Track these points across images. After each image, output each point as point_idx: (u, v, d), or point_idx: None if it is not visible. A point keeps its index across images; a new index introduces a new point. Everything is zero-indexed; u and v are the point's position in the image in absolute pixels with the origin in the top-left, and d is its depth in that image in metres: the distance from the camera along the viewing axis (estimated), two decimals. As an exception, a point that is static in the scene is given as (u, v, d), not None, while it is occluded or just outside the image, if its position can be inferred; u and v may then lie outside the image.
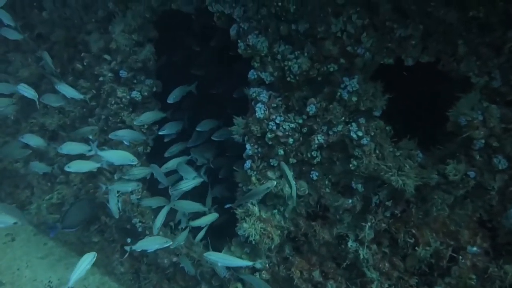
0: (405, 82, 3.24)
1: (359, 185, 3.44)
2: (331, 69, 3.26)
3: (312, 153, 3.53)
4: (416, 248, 3.38)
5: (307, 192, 3.75)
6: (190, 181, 4.39)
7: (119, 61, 4.49)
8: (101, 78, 4.62)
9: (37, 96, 4.58)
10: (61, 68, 5.12)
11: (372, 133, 3.21)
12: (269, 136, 3.50)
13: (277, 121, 3.43)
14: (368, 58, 3.05)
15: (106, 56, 4.59)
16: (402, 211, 3.43)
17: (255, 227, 3.79)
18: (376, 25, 2.98)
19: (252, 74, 3.55)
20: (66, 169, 4.54)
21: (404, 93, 3.19)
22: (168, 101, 4.47)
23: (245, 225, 3.78)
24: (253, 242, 3.87)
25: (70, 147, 4.62)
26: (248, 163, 3.82)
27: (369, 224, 3.48)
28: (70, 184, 5.69)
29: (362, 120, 3.23)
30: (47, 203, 5.75)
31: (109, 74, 4.58)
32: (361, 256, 3.57)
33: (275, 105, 3.52)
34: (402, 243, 3.45)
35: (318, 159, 3.56)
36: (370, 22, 2.95)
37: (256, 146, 3.73)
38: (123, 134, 4.39)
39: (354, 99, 3.16)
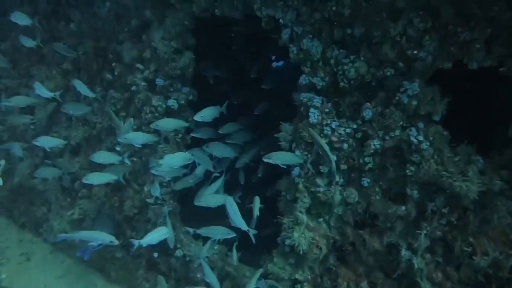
0: (461, 86, 3.23)
1: (415, 192, 3.38)
2: (388, 73, 3.23)
3: (365, 159, 3.47)
4: (473, 257, 3.31)
5: (356, 199, 3.68)
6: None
7: (154, 69, 4.42)
8: (133, 88, 4.53)
9: (52, 95, 4.62)
10: (89, 80, 5.03)
11: (431, 138, 3.17)
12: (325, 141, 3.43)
13: (333, 126, 3.37)
14: (429, 62, 3.03)
15: (139, 65, 4.51)
16: (458, 219, 3.37)
17: (305, 236, 3.69)
18: (437, 28, 2.97)
19: (303, 79, 3.50)
20: (84, 181, 4.44)
21: (460, 97, 3.18)
22: (195, 119, 4.27)
23: (295, 234, 3.67)
24: (301, 252, 3.75)
25: (102, 156, 4.51)
26: (296, 170, 3.74)
27: (424, 232, 3.41)
28: (93, 198, 5.51)
29: (420, 125, 3.20)
30: (68, 219, 5.54)
31: (142, 83, 4.49)
32: (415, 266, 3.48)
33: (327, 110, 3.47)
34: (458, 252, 3.37)
35: (370, 165, 3.50)
36: (432, 25, 2.95)
37: (305, 153, 3.66)
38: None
39: (414, 103, 3.14)
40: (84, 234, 4.07)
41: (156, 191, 4.47)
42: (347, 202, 3.74)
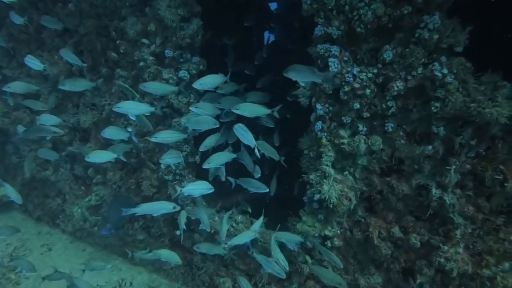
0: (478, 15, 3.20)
1: (441, 128, 3.39)
2: (405, 11, 3.20)
3: (388, 103, 3.46)
4: (505, 184, 3.34)
5: (381, 147, 3.68)
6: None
7: (161, 41, 4.35)
8: (141, 63, 4.45)
9: (44, 66, 4.50)
10: (93, 61, 4.93)
11: (455, 71, 3.17)
12: (346, 89, 3.41)
13: (354, 72, 3.35)
14: (449, -8, 3.01)
15: (144, 40, 4.43)
16: (486, 149, 3.40)
17: (334, 188, 3.69)
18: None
19: (319, 30, 3.46)
20: (86, 159, 4.43)
21: (479, 26, 3.16)
22: (194, 86, 4.05)
23: (325, 187, 3.67)
24: (331, 206, 3.75)
25: (112, 132, 4.45)
26: (319, 125, 3.72)
27: (454, 167, 3.43)
28: (108, 184, 5.46)
29: (443, 59, 3.18)
30: (86, 206, 5.49)
31: (151, 58, 4.42)
32: (447, 202, 3.50)
33: (346, 58, 3.44)
34: (489, 181, 3.40)
35: (393, 109, 3.49)
36: (449, -46, 2.92)
37: (327, 105, 3.64)
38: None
39: (436, 37, 3.12)
40: (145, 208, 4.01)
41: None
42: (371, 151, 3.74)
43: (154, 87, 4.07)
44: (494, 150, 3.36)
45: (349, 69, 3.38)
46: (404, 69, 3.31)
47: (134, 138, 4.66)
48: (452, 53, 3.20)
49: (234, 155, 4.18)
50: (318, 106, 3.66)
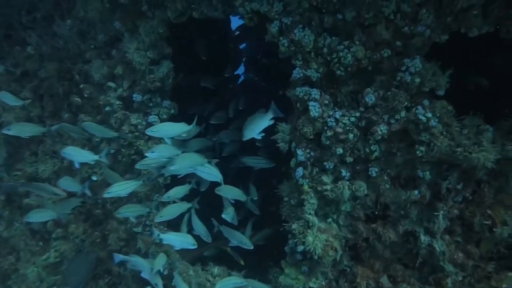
0: (456, 57, 3.19)
1: (427, 173, 3.27)
2: (385, 55, 3.14)
3: (372, 147, 3.33)
4: (494, 229, 3.23)
5: (365, 192, 3.51)
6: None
7: (128, 85, 4.10)
8: (108, 108, 4.15)
9: (22, 103, 4.26)
10: (54, 106, 4.59)
11: (438, 114, 3.09)
12: (328, 134, 3.25)
13: (337, 116, 3.21)
14: (427, 35, 2.97)
15: (111, 84, 4.17)
16: (472, 193, 3.30)
17: (319, 239, 3.45)
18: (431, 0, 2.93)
19: (297, 73, 3.34)
20: (25, 219, 4.22)
21: (458, 68, 3.13)
22: (163, 200, 3.92)
23: (309, 238, 3.42)
24: (315, 257, 3.50)
25: (66, 183, 4.16)
26: (300, 171, 3.52)
27: (442, 213, 3.29)
28: (69, 238, 4.97)
29: (426, 102, 3.11)
30: (43, 264, 4.94)
31: (117, 102, 4.14)
32: (438, 250, 3.34)
33: (326, 102, 3.31)
34: (478, 227, 3.28)
35: (377, 153, 3.35)
36: (427, -2, 2.90)
37: (308, 151, 3.46)
38: None
39: (418, 80, 3.05)
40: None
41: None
42: (355, 197, 3.56)
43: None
44: (481, 194, 3.26)
45: (330, 113, 3.24)
46: (387, 112, 3.21)
47: (87, 192, 4.34)
48: (432, 97, 3.14)
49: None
50: (299, 151, 3.47)
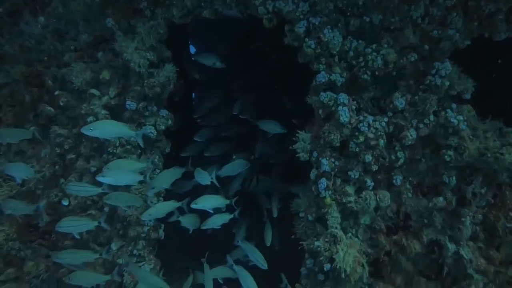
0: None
1: (453, 178, 3.23)
2: (412, 59, 3.11)
3: (397, 154, 3.22)
4: (518, 232, 3.27)
5: (389, 202, 3.36)
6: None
7: (117, 92, 3.59)
8: (91, 119, 3.57)
9: None
10: (15, 117, 3.84)
11: (466, 118, 3.10)
12: (359, 140, 3.08)
13: (370, 121, 3.05)
14: (455, 40, 3.00)
15: (94, 91, 3.61)
16: (494, 196, 3.33)
17: (350, 254, 3.19)
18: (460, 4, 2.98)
19: (322, 77, 3.15)
20: None
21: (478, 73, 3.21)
22: (143, 218, 3.51)
23: (340, 254, 3.14)
24: (343, 275, 3.22)
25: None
26: (324, 182, 3.27)
27: (468, 218, 3.25)
28: (23, 279, 4.08)
29: (453, 106, 3.11)
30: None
31: (103, 112, 3.58)
32: (466, 257, 3.28)
33: (354, 107, 3.16)
34: (501, 231, 3.29)
35: (401, 161, 3.25)
36: (457, 2, 2.94)
37: (332, 160, 3.24)
38: None
39: (447, 83, 3.04)
40: None
41: None
42: (377, 208, 3.40)
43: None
44: (502, 197, 3.30)
45: (361, 118, 3.09)
46: (416, 117, 3.14)
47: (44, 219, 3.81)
48: (461, 99, 3.16)
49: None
50: (323, 161, 3.23)
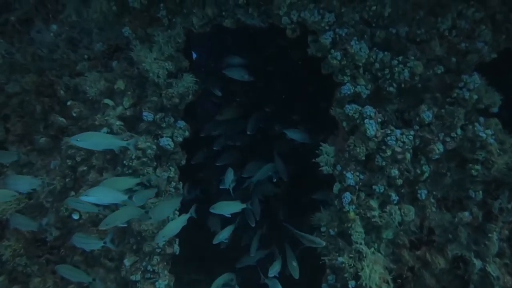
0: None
1: (479, 193, 3.17)
2: (438, 71, 3.06)
3: (423, 167, 3.15)
4: (541, 248, 3.22)
5: (413, 217, 3.29)
6: None
7: (132, 102, 3.48)
8: (105, 130, 3.45)
9: None
10: (24, 129, 3.71)
11: (493, 131, 3.05)
12: (387, 154, 3.01)
13: (397, 135, 2.98)
14: (484, 52, 2.96)
15: (108, 101, 3.50)
16: (519, 212, 3.28)
17: (376, 272, 3.10)
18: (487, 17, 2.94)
19: (347, 89, 3.08)
20: None
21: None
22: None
23: (366, 271, 3.06)
24: (369, 293, 3.14)
25: None
26: (348, 196, 3.19)
27: (495, 234, 3.19)
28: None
29: (481, 119, 3.06)
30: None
31: (117, 123, 3.47)
32: (493, 274, 3.21)
33: (380, 119, 3.09)
34: (528, 247, 3.24)
35: (427, 174, 3.19)
36: (485, 15, 2.90)
37: (357, 174, 3.17)
38: None
39: (475, 97, 2.99)
40: None
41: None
42: (400, 222, 3.32)
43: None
44: (527, 212, 3.25)
45: (388, 131, 3.01)
46: (443, 130, 3.08)
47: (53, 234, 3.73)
48: (488, 113, 3.11)
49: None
50: (348, 175, 3.15)
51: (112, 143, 3.22)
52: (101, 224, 3.14)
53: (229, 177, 3.73)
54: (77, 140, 3.03)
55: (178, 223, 3.44)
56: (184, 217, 3.50)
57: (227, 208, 3.64)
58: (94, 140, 3.12)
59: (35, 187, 3.51)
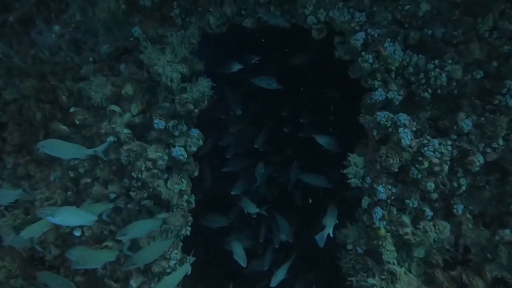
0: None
1: (522, 208, 2.92)
2: (478, 76, 2.82)
3: (460, 180, 2.90)
4: None
5: (449, 234, 3.03)
6: None
7: (140, 108, 3.21)
8: (111, 138, 3.16)
9: None
10: (22, 137, 3.41)
11: (539, 142, 2.80)
12: (424, 165, 2.74)
13: (436, 145, 2.72)
14: (529, 56, 2.72)
15: (114, 108, 3.22)
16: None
17: (411, 294, 2.83)
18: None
19: (379, 95, 2.82)
20: None
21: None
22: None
23: (403, 295, 2.78)
24: (402, 319, 2.86)
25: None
26: (379, 212, 2.92)
27: (539, 254, 2.93)
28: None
29: (524, 129, 2.81)
30: None
31: (125, 131, 3.18)
32: (538, 300, 2.95)
33: (414, 128, 2.83)
34: None
35: (464, 188, 2.93)
36: (529, 15, 2.67)
37: (389, 187, 2.90)
38: None
39: (520, 104, 2.75)
40: None
41: None
42: (435, 240, 3.05)
43: None
44: None
45: (425, 141, 2.75)
46: (483, 140, 2.83)
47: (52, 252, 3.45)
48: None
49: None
50: (380, 188, 2.89)
51: (78, 152, 3.00)
52: (118, 234, 2.99)
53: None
54: (42, 146, 2.90)
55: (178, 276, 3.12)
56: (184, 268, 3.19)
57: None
58: (59, 148, 2.94)
59: (16, 198, 3.25)
